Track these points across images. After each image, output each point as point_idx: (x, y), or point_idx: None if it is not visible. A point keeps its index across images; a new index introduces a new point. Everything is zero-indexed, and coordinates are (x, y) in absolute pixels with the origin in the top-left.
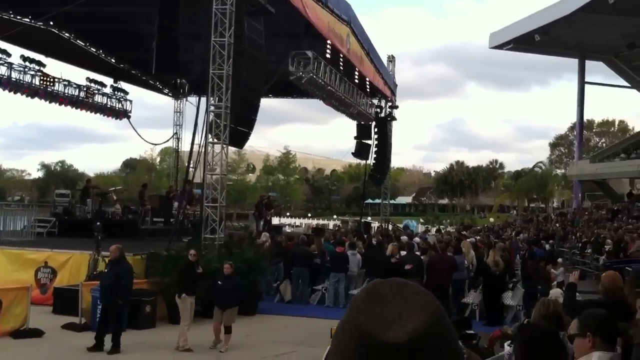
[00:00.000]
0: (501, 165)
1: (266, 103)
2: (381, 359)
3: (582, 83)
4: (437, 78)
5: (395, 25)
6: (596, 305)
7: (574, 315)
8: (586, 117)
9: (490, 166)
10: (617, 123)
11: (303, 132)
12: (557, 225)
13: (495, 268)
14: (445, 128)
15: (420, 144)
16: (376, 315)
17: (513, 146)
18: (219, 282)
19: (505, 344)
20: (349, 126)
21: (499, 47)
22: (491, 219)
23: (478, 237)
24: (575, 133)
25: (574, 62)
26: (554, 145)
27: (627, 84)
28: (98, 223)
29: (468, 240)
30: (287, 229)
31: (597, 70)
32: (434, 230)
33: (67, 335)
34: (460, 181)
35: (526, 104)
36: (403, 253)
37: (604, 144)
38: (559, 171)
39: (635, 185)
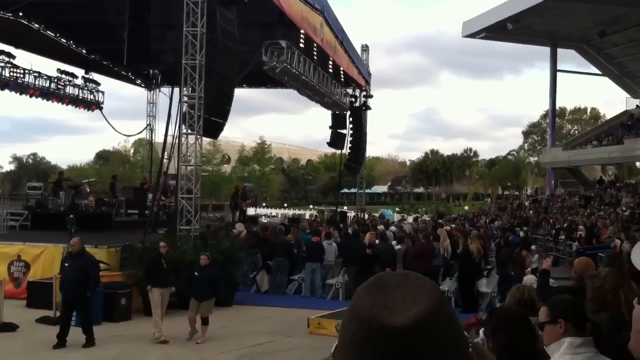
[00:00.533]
0: (475, 154)
1: (240, 93)
2: (386, 344)
3: (554, 71)
4: (411, 67)
5: (369, 15)
6: (569, 291)
7: (546, 301)
8: (558, 105)
9: (465, 154)
10: (589, 110)
11: (278, 122)
12: (531, 212)
13: (477, 255)
14: (419, 117)
15: (395, 133)
16: (380, 302)
17: (487, 134)
18: (195, 274)
19: (480, 331)
20: (324, 116)
21: (472, 35)
22: (466, 207)
23: (453, 225)
24: (547, 121)
25: (545, 50)
26: (527, 134)
27: (598, 72)
28: (71, 216)
29: (444, 228)
30: (263, 220)
31: (569, 58)
32: (410, 219)
33: (41, 329)
34: (435, 170)
35: (499, 92)
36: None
37: (577, 132)
38: (532, 159)
39: (606, 172)
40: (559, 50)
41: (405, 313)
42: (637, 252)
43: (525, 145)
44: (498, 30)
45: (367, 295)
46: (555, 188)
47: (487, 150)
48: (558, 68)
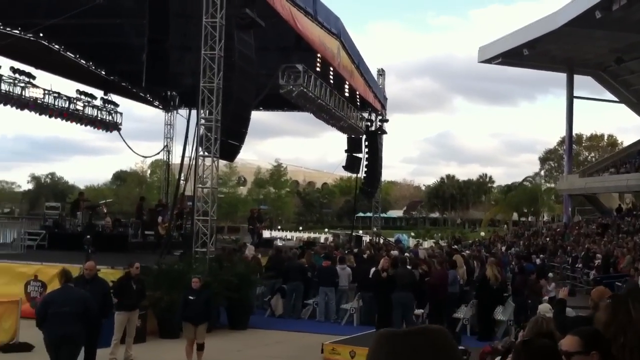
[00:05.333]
0: (491, 179)
1: (257, 116)
2: None
3: (570, 97)
4: (423, 92)
5: (379, 40)
6: (585, 321)
7: (564, 331)
8: (575, 131)
9: (481, 180)
10: (606, 137)
11: (294, 145)
12: (548, 239)
13: (494, 282)
14: (433, 142)
15: (409, 157)
16: None
17: (501, 160)
18: (190, 297)
19: None
20: (339, 139)
21: (488, 61)
22: (482, 233)
23: (468, 252)
24: (564, 147)
25: (560, 77)
26: (543, 160)
27: (615, 99)
28: (88, 236)
29: (460, 254)
30: (279, 242)
31: (584, 84)
32: (425, 244)
33: None
34: (451, 195)
35: (513, 118)
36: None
37: (594, 159)
38: (548, 185)
39: (624, 200)
40: (575, 77)
41: None
42: None
43: (542, 171)
44: (514, 55)
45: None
46: (572, 215)
47: (501, 175)
48: (574, 94)
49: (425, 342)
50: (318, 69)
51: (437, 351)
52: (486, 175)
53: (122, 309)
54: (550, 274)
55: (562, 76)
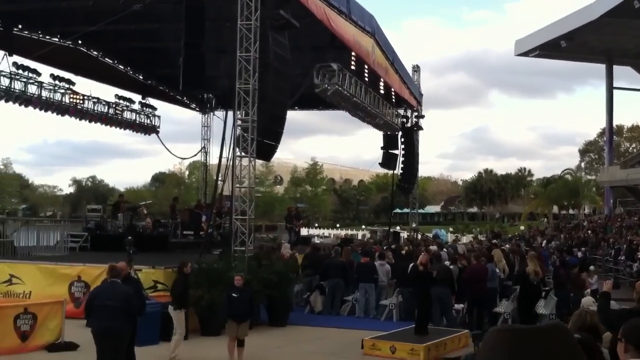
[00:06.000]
0: (530, 173)
1: (292, 115)
2: None
3: (610, 88)
4: (459, 87)
5: (414, 37)
6: (630, 314)
7: (608, 324)
8: (615, 122)
9: (519, 174)
10: None
11: (329, 144)
12: (589, 232)
13: (534, 277)
14: (469, 136)
15: (445, 152)
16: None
17: (539, 153)
18: (234, 295)
19: None
20: (375, 137)
21: (525, 54)
22: (522, 227)
23: (508, 246)
24: (604, 139)
25: (598, 68)
26: (583, 152)
27: None
28: (129, 237)
29: (499, 248)
30: (316, 240)
31: (624, 75)
32: (464, 239)
33: None
34: (489, 189)
35: (551, 110)
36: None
37: (635, 150)
38: (589, 177)
39: None
40: (614, 67)
41: None
42: None
43: (582, 163)
44: (552, 48)
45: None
46: (614, 207)
47: (540, 169)
48: (614, 85)
49: (552, 340)
50: (353, 67)
51: (561, 349)
52: (525, 168)
53: (180, 307)
54: (592, 267)
55: (601, 67)
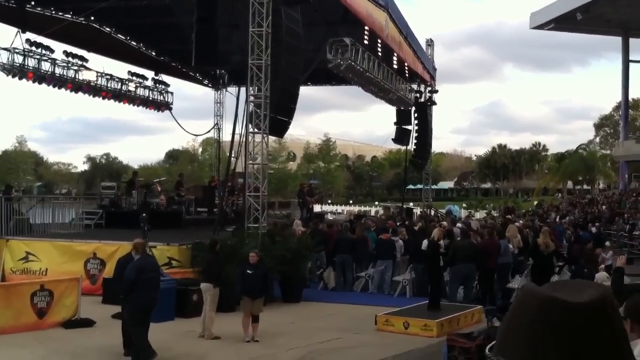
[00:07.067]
0: (544, 148)
1: (304, 91)
2: (569, 320)
3: (626, 61)
4: (472, 61)
5: (427, 10)
6: None
7: (621, 299)
8: (631, 96)
9: (534, 149)
10: None
11: (341, 119)
12: (604, 207)
13: (544, 249)
14: (483, 111)
15: (458, 127)
16: (558, 288)
17: (554, 128)
18: (248, 272)
19: None
20: (388, 112)
21: (540, 27)
22: (535, 202)
23: (522, 221)
24: (620, 113)
25: (614, 41)
26: (598, 126)
27: None
28: (144, 214)
29: (515, 224)
30: (329, 216)
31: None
32: (477, 215)
33: (117, 325)
34: (503, 165)
35: (565, 84)
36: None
37: None
38: (604, 152)
39: None
40: (630, 40)
41: (582, 296)
42: None
43: (597, 138)
44: (567, 20)
45: (541, 288)
46: (629, 182)
47: (554, 143)
48: (630, 58)
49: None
50: (366, 41)
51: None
52: (539, 143)
53: (212, 282)
54: (607, 243)
55: (617, 40)
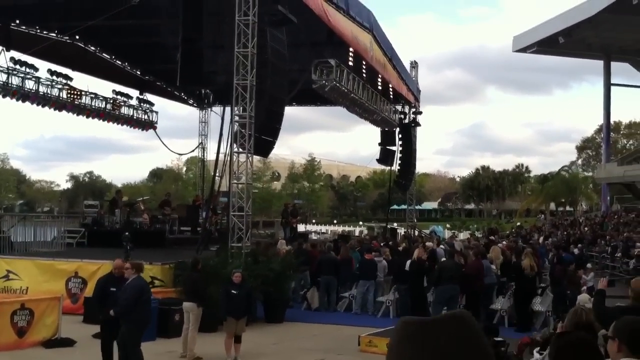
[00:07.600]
0: (527, 169)
1: (289, 111)
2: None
3: (607, 84)
4: (455, 83)
5: (411, 33)
6: (625, 311)
7: (603, 322)
8: (613, 119)
9: (517, 170)
10: None
11: (326, 140)
12: (586, 229)
13: (529, 272)
14: (466, 133)
15: (442, 148)
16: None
17: (536, 150)
18: (233, 292)
19: (535, 351)
20: (373, 133)
21: (523, 50)
22: (517, 223)
23: (505, 242)
24: (602, 135)
25: (595, 64)
26: (580, 148)
27: None
28: (127, 233)
29: (497, 245)
30: (313, 236)
31: (622, 71)
32: (461, 235)
33: (98, 345)
34: (487, 186)
35: (547, 107)
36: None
37: (632, 146)
38: (586, 174)
39: None
40: (612, 64)
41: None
42: None
43: (579, 160)
44: (549, 44)
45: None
46: (610, 204)
47: (537, 165)
48: (612, 82)
49: (452, 329)
50: (351, 63)
51: (464, 338)
52: (522, 165)
53: (197, 302)
54: (589, 264)
55: (598, 63)
